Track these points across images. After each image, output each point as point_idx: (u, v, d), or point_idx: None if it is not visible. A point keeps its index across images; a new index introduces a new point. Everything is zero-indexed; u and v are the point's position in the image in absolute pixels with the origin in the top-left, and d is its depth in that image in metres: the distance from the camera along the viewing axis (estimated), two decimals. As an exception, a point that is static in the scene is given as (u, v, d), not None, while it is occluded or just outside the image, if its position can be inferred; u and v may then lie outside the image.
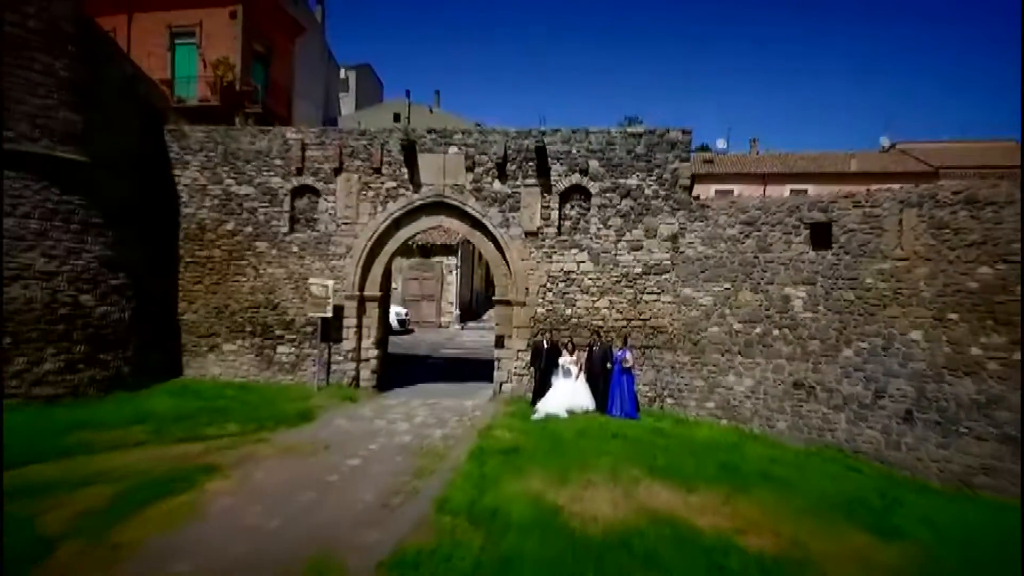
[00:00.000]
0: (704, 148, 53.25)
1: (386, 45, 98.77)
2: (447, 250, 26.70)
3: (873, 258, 10.04)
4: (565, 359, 11.77)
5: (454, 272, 27.13)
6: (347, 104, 41.82)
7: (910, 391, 9.34)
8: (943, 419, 8.92)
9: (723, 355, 11.68)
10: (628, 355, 11.79)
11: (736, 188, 36.08)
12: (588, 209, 12.65)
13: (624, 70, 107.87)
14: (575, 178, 12.56)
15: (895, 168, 35.66)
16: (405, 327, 24.23)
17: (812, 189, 34.46)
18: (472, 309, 30.61)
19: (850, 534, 6.73)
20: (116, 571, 5.23)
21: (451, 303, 27.22)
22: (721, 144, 50.12)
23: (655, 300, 12.36)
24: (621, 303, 12.48)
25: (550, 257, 12.79)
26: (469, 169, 12.77)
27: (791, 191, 34.76)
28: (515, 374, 12.75)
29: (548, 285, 12.81)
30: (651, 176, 12.24)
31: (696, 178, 36.80)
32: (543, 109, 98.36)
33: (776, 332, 11.08)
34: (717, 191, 35.78)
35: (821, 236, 10.77)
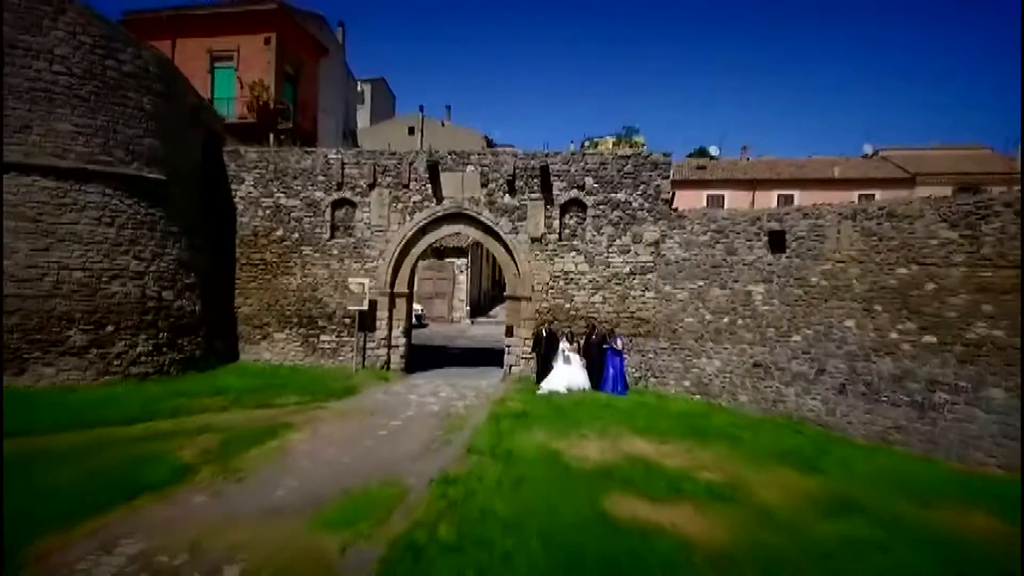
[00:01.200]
0: (702, 150, 55.18)
1: (399, 54, 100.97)
2: (458, 252, 28.69)
3: (817, 260, 11.98)
4: (565, 346, 13.74)
5: (464, 272, 29.12)
6: (362, 116, 43.81)
7: (844, 368, 11.29)
8: (868, 390, 10.87)
9: (696, 341, 13.66)
10: (619, 341, 13.80)
11: (726, 193, 37.46)
12: (584, 219, 14.63)
13: (624, 77, 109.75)
14: (573, 193, 14.53)
15: (875, 175, 36.97)
16: (421, 322, 26.20)
17: (798, 194, 36.08)
18: (480, 306, 32.56)
19: (780, 471, 8.63)
20: (246, 483, 7.23)
21: (462, 300, 29.21)
22: (714, 151, 52.09)
23: (640, 296, 14.35)
24: (612, 298, 14.46)
25: (552, 259, 14.77)
26: (484, 185, 14.76)
27: (778, 196, 36.41)
28: (522, 358, 14.74)
29: (550, 283, 14.79)
30: (637, 191, 14.22)
31: (689, 184, 38.52)
32: (546, 120, 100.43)
33: (740, 322, 13.04)
34: (709, 196, 37.32)
35: (777, 242, 12.69)
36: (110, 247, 12.18)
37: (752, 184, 38.69)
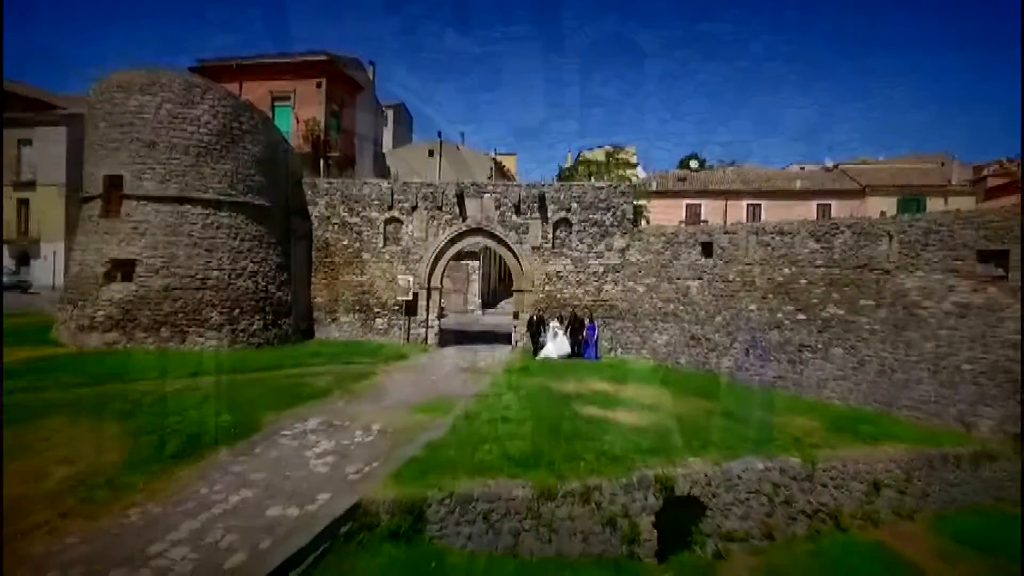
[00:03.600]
0: (692, 156, 59.68)
1: (415, 79, 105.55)
2: (472, 256, 32.98)
3: (734, 263, 16.37)
4: (556, 325, 18.16)
5: (477, 272, 33.52)
6: (385, 137, 48.28)
7: (748, 339, 15.66)
8: (763, 352, 15.27)
9: (651, 321, 18.11)
10: (595, 322, 18.23)
11: (703, 203, 41.38)
12: (571, 232, 19.02)
13: (624, 83, 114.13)
14: (563, 214, 18.92)
15: (832, 186, 40.69)
16: (441, 313, 30.67)
17: (764, 203, 40.25)
18: (489, 300, 36.97)
19: (692, 399, 13.02)
20: (362, 398, 11.69)
21: (475, 295, 33.63)
22: (694, 164, 56.65)
23: (611, 289, 18.76)
24: (590, 291, 18.88)
25: (547, 262, 19.17)
26: (497, 207, 19.18)
27: (747, 206, 40.49)
28: (525, 335, 19.19)
29: (545, 280, 19.18)
30: (609, 213, 18.63)
31: (671, 195, 42.58)
32: (546, 127, 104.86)
33: (681, 308, 17.47)
34: (688, 205, 41.38)
35: (707, 250, 17.02)
36: (235, 254, 16.65)
37: (725, 195, 42.70)
